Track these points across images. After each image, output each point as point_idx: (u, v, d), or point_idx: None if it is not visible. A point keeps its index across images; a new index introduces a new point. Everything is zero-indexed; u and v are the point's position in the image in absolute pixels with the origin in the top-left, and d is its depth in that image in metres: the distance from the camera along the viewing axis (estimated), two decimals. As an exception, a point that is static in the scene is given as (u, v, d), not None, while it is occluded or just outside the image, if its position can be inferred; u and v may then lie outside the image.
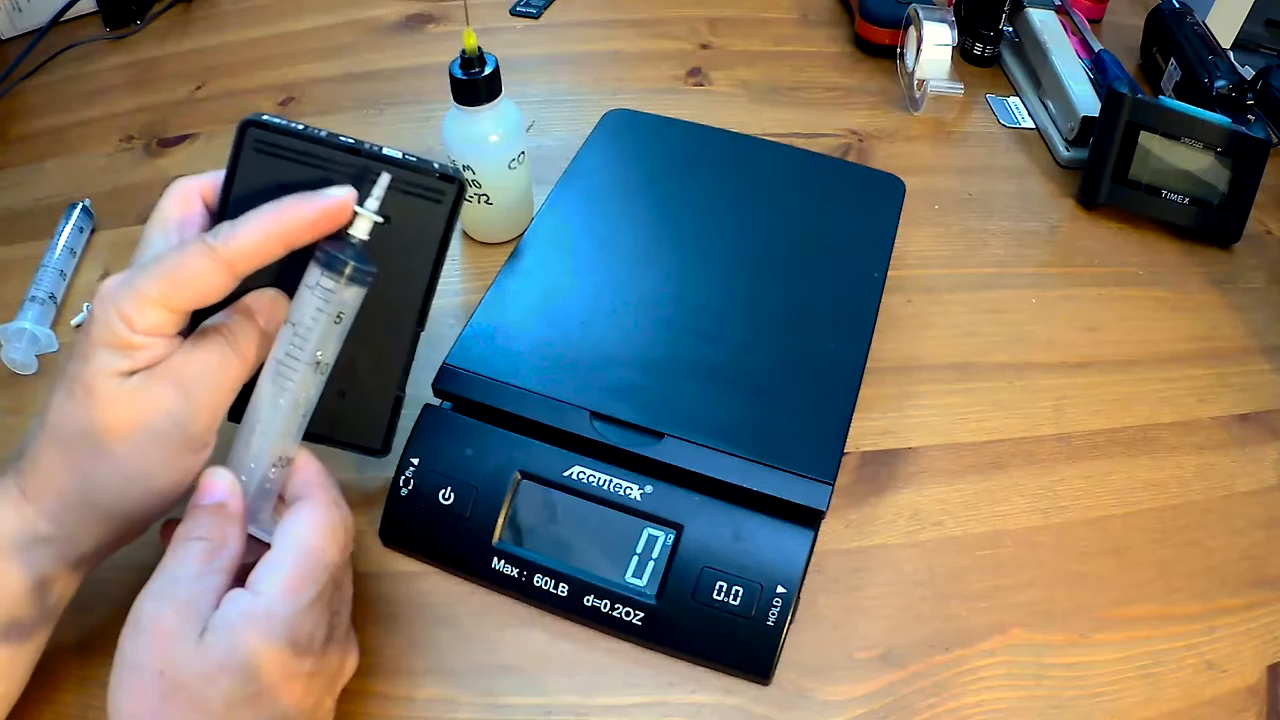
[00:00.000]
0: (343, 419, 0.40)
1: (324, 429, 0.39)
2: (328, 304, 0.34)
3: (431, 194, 0.36)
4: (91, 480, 0.33)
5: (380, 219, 0.35)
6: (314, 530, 0.34)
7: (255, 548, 0.34)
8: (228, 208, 0.36)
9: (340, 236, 0.35)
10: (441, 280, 0.39)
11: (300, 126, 0.35)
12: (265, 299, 0.36)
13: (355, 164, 0.35)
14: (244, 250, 0.33)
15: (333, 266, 0.34)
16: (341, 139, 0.35)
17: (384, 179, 0.35)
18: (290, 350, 0.34)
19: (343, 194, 0.34)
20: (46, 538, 0.34)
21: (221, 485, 0.34)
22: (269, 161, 0.35)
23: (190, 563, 0.32)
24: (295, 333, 0.34)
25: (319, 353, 0.35)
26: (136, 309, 0.32)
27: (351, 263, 0.34)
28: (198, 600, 0.31)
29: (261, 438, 0.35)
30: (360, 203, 0.35)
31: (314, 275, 0.34)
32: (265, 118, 0.35)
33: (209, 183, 0.37)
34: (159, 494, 0.34)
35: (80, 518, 0.34)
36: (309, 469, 0.36)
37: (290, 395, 0.35)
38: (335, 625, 0.34)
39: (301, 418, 0.36)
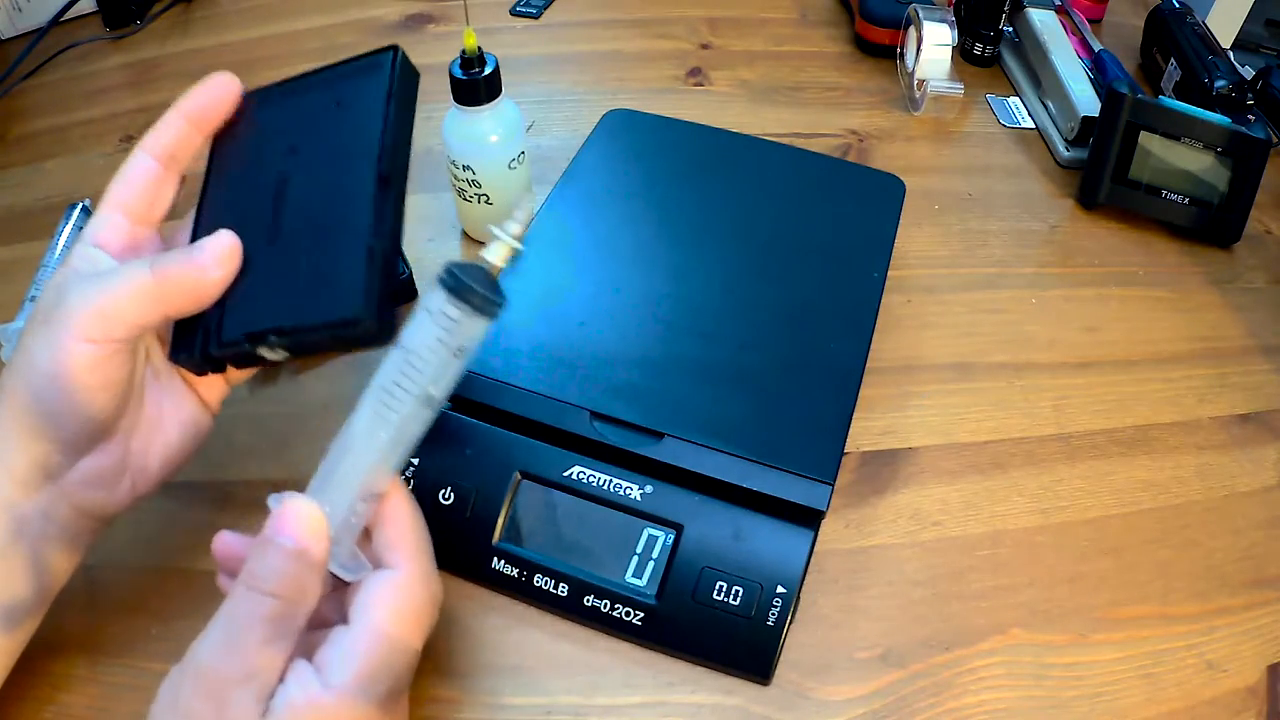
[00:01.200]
0: (319, 299, 0.33)
1: (302, 318, 0.33)
2: (449, 335, 0.31)
3: (370, 67, 0.35)
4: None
5: (521, 247, 0.32)
6: (396, 615, 0.31)
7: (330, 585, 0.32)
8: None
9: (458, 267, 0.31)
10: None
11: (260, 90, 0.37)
12: None
13: (310, 85, 0.36)
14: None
15: (460, 294, 0.30)
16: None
17: (526, 202, 0.32)
18: (399, 380, 0.31)
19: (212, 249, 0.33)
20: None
21: (305, 525, 0.30)
22: (244, 125, 0.36)
23: (260, 623, 0.29)
24: (408, 361, 0.31)
25: (432, 387, 0.31)
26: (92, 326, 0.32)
27: (482, 292, 0.31)
28: (265, 671, 0.28)
29: (352, 469, 0.31)
30: (501, 227, 0.32)
31: (436, 300, 0.31)
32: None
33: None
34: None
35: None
36: (401, 520, 0.33)
37: (392, 429, 0.31)
38: (399, 709, 0.32)
39: (402, 454, 0.32)
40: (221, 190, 0.37)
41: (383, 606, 0.31)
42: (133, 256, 0.36)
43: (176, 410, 0.37)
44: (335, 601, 0.33)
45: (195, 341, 0.35)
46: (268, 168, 0.36)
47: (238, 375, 0.39)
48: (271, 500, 0.31)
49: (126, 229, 0.36)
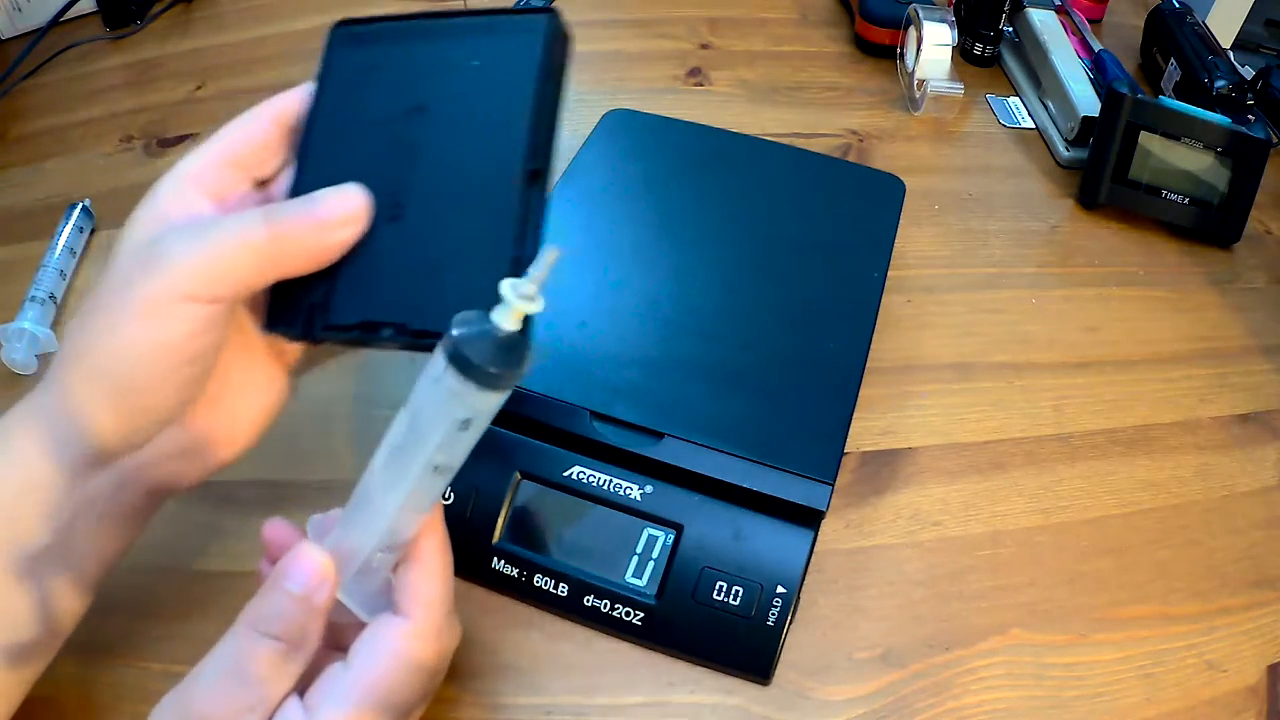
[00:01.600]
0: (452, 305, 0.28)
1: (429, 321, 0.30)
2: (451, 406, 0.27)
3: (518, 28, 0.32)
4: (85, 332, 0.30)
5: (538, 306, 0.27)
6: (395, 666, 0.29)
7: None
8: (313, 130, 0.33)
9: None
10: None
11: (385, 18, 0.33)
12: None
13: (440, 32, 0.32)
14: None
15: (459, 364, 0.26)
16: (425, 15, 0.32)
17: (546, 254, 0.27)
18: (406, 444, 0.28)
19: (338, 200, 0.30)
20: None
21: (312, 571, 0.28)
22: (358, 64, 0.33)
23: (259, 662, 0.28)
24: (413, 426, 0.28)
25: (439, 456, 0.28)
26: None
27: (482, 365, 0.26)
28: (259, 711, 0.28)
29: (371, 519, 0.29)
30: (515, 288, 0.27)
31: (437, 366, 0.26)
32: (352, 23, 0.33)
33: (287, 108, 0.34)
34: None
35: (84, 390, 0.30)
36: (425, 565, 0.30)
37: (400, 493, 0.28)
38: None
39: (418, 514, 0.30)
40: (332, 136, 0.33)
41: (384, 655, 0.29)
42: (234, 209, 0.32)
43: (263, 377, 0.35)
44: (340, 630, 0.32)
45: (298, 315, 0.32)
46: (391, 124, 0.32)
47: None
48: (311, 524, 0.30)
49: (228, 176, 0.32)
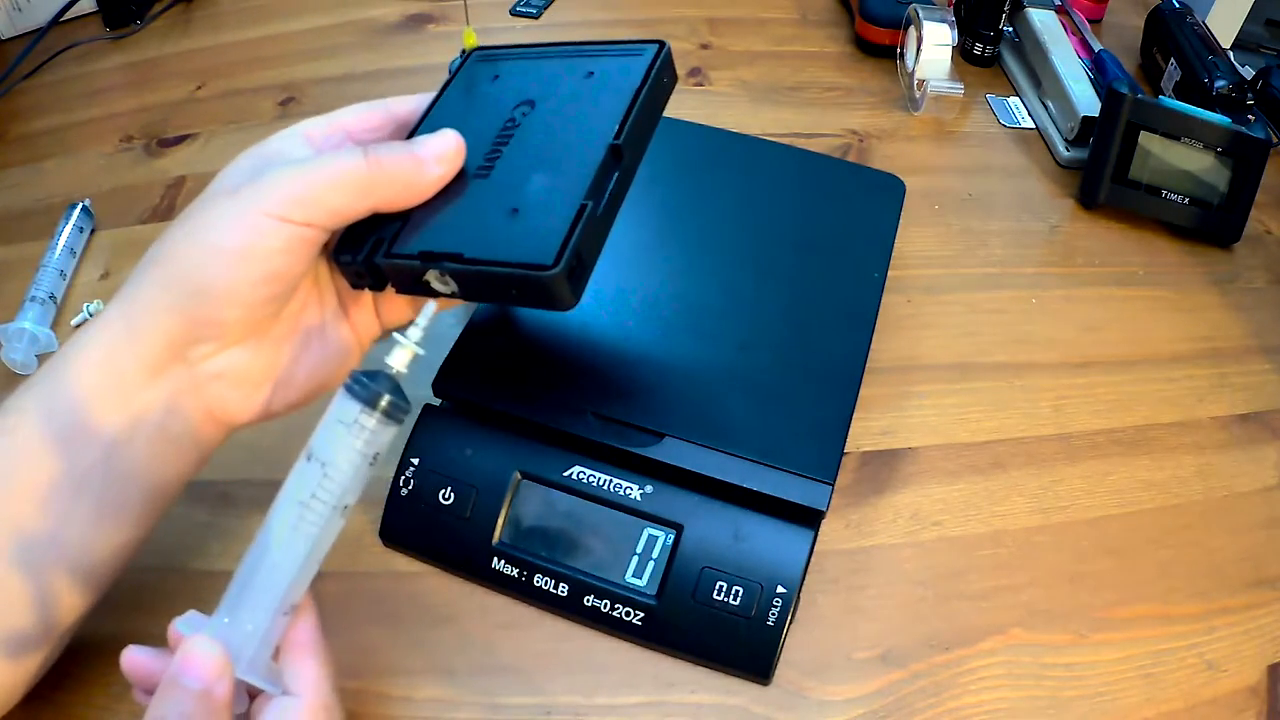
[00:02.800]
0: (512, 239, 0.32)
1: (487, 251, 0.32)
2: (367, 445, 0.31)
3: (632, 52, 0.36)
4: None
5: (420, 351, 0.32)
6: None
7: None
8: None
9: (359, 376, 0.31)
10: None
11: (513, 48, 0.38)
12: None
13: (563, 53, 0.37)
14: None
15: (373, 403, 0.31)
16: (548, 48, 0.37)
17: (429, 308, 0.33)
18: (317, 492, 0.31)
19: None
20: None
21: (209, 667, 0.29)
22: (482, 74, 0.37)
23: None
24: (325, 474, 0.31)
25: (349, 497, 0.31)
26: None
27: (389, 398, 0.31)
28: None
29: (272, 584, 0.31)
30: (402, 332, 0.32)
31: (350, 411, 0.31)
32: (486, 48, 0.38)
33: (407, 108, 0.37)
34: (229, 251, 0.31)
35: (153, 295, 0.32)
36: (306, 646, 0.32)
37: (310, 543, 0.31)
38: None
39: (316, 562, 0.32)
40: (445, 115, 0.36)
41: None
42: None
43: (335, 334, 0.36)
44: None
45: (364, 246, 0.33)
46: (499, 111, 0.36)
47: (392, 315, 0.38)
48: (176, 626, 0.31)
49: (340, 139, 0.35)
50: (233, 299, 0.31)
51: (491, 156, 0.34)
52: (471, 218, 0.33)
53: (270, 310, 0.32)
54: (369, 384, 0.31)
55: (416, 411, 0.43)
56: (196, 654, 0.29)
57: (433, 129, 0.34)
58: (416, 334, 0.32)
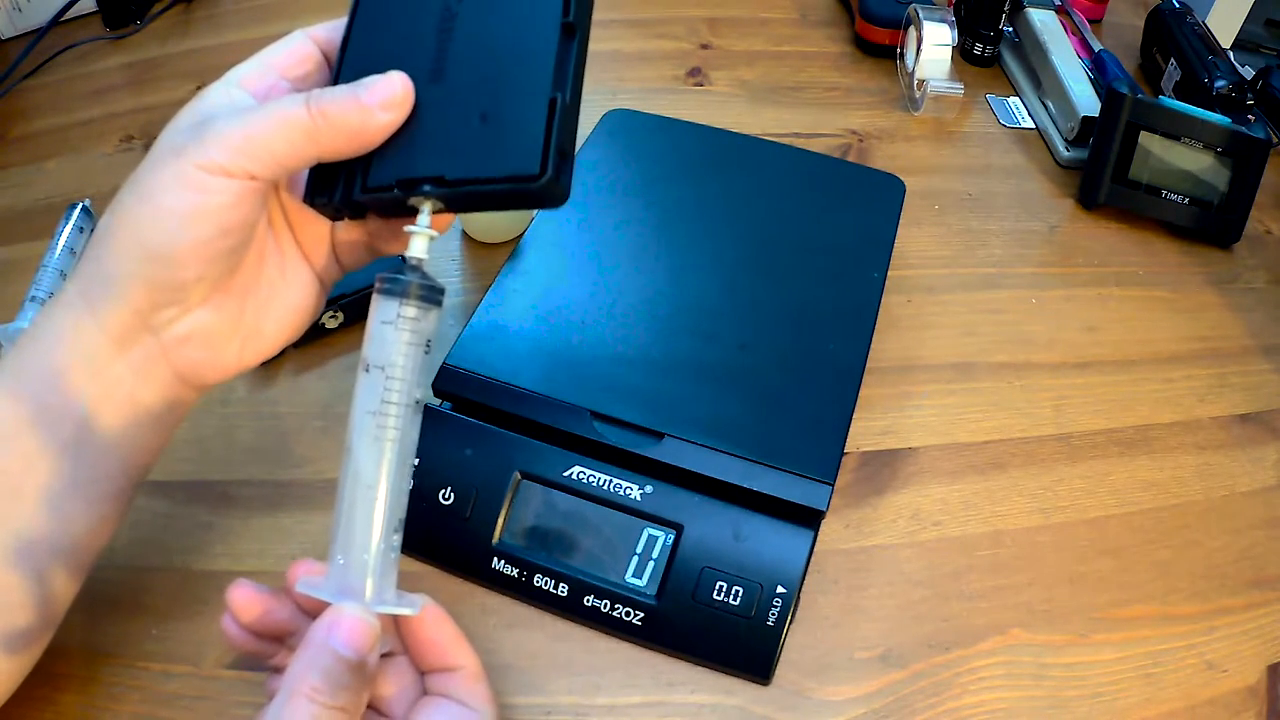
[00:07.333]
0: (490, 150, 0.31)
1: (469, 169, 0.31)
2: (416, 335, 0.31)
3: None
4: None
5: (435, 234, 0.32)
6: (489, 705, 0.32)
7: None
8: (344, 61, 0.34)
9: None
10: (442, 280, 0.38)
11: None
12: None
13: None
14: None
15: (409, 293, 0.31)
16: None
17: (430, 201, 0.32)
18: (385, 396, 0.30)
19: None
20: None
21: (365, 637, 0.29)
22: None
23: None
24: (387, 377, 0.30)
25: (417, 390, 0.31)
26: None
27: (422, 282, 0.31)
28: None
29: (375, 505, 0.30)
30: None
31: (390, 309, 0.31)
32: None
33: (325, 35, 0.35)
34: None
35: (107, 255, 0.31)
36: (438, 616, 0.33)
37: (397, 446, 0.31)
38: None
39: (409, 467, 0.31)
40: (372, 24, 0.34)
41: (480, 699, 0.32)
42: None
43: (296, 277, 0.36)
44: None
45: (338, 184, 0.32)
46: (429, 10, 0.33)
47: (351, 256, 0.37)
48: (301, 583, 0.30)
49: (274, 80, 0.34)
50: (190, 259, 0.31)
51: (439, 57, 0.32)
52: (441, 131, 0.31)
53: (229, 265, 0.32)
54: (399, 278, 0.31)
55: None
56: (351, 623, 0.29)
57: (363, 45, 0.33)
58: (426, 219, 0.32)
